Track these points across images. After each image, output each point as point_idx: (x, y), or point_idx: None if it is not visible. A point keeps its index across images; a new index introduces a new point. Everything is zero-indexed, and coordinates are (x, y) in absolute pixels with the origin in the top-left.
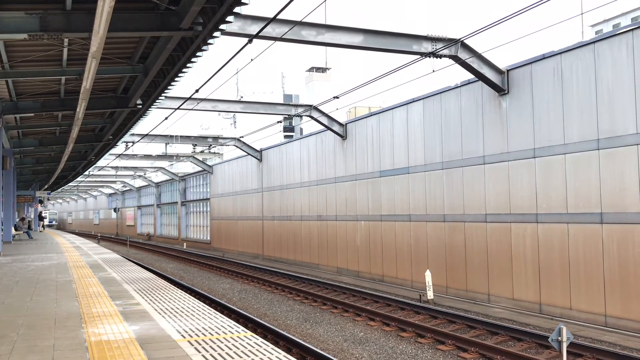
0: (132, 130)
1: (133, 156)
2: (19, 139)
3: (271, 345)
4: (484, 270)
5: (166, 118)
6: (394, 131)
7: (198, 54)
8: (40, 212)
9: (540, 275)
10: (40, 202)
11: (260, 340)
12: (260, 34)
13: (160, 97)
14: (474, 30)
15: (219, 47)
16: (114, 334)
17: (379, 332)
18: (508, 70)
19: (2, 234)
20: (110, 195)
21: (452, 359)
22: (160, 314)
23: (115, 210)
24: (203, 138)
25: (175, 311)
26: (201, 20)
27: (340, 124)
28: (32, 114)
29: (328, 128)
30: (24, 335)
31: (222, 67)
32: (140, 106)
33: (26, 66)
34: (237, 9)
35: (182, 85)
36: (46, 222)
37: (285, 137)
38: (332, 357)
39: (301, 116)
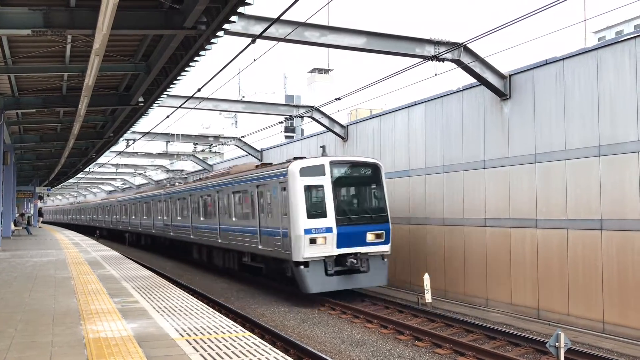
0: (133, 128)
1: (134, 154)
2: (20, 134)
3: (269, 346)
4: (483, 274)
5: (167, 116)
6: (395, 134)
7: (201, 53)
8: (40, 208)
9: (538, 280)
10: (40, 197)
11: (258, 340)
12: (263, 35)
13: (162, 96)
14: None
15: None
16: (112, 331)
17: (377, 335)
18: (510, 75)
19: (1, 229)
20: (110, 192)
21: None
22: (159, 312)
23: None
24: (204, 137)
25: (173, 309)
26: (205, 19)
27: (341, 126)
28: (34, 110)
29: (329, 129)
30: (22, 331)
31: (224, 66)
32: (142, 104)
33: (29, 62)
34: (241, 9)
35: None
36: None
37: (286, 137)
38: (329, 359)
39: (302, 117)
